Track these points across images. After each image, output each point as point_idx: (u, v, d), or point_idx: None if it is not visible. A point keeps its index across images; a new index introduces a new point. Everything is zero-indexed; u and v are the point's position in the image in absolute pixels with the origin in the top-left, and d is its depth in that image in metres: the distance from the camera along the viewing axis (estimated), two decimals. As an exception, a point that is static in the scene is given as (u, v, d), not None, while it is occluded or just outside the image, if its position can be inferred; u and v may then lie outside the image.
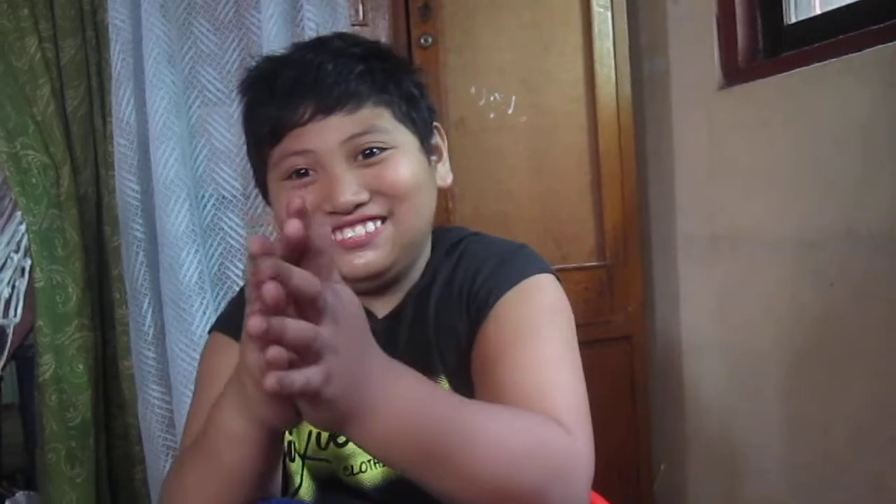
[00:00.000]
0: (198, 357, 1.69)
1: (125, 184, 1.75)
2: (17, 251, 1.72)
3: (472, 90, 2.00)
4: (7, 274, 1.69)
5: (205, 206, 1.79)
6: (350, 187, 0.97)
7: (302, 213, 0.67)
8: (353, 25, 1.88)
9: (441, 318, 1.04)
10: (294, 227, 0.67)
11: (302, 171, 1.00)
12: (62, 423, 1.78)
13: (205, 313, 1.72)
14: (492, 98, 2.01)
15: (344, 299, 0.72)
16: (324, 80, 0.98)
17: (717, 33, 1.98)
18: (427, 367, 1.02)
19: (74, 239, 1.80)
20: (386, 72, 1.01)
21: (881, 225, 1.52)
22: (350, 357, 0.71)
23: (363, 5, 1.94)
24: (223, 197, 1.79)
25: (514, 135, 2.03)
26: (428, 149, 1.06)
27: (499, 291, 1.00)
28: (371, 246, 0.99)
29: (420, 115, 1.05)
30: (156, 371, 1.78)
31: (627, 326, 2.09)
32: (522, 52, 2.03)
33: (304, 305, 0.68)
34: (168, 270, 1.71)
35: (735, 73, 1.94)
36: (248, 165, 1.77)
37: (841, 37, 1.66)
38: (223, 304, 1.76)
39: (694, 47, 2.04)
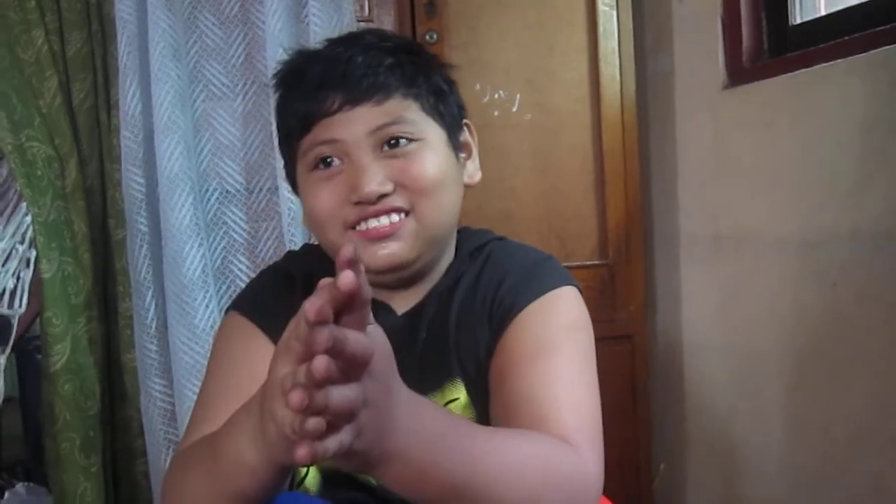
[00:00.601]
0: (200, 350, 1.71)
1: (130, 177, 1.75)
2: (21, 242, 1.72)
3: (477, 87, 2.00)
4: (13, 265, 1.70)
5: (208, 200, 1.79)
6: (375, 177, 0.97)
7: (353, 264, 0.63)
8: (359, 21, 1.88)
9: (462, 323, 1.04)
10: (348, 279, 0.62)
11: (329, 160, 1.00)
12: (78, 411, 1.79)
13: (207, 307, 1.72)
14: (496, 96, 2.01)
15: (378, 342, 0.68)
16: (353, 72, 0.99)
17: (722, 33, 1.98)
18: (445, 371, 1.03)
19: (83, 231, 1.81)
20: (415, 65, 1.02)
21: (884, 225, 1.53)
22: (379, 405, 0.67)
23: (369, 1, 1.94)
24: (227, 191, 1.80)
25: (518, 133, 2.04)
26: (456, 144, 1.05)
27: (522, 302, 1.00)
28: (395, 237, 0.99)
29: (449, 110, 1.04)
30: (158, 364, 1.79)
31: (629, 325, 2.09)
32: (527, 51, 2.04)
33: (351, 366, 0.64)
34: (171, 264, 1.72)
35: (739, 73, 1.94)
36: (252, 160, 1.81)
37: (846, 38, 1.66)
38: (226, 299, 1.76)
39: (698, 47, 2.04)
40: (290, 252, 1.18)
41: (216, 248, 1.79)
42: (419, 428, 0.72)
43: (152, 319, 1.77)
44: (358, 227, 0.99)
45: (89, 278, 1.82)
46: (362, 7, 1.93)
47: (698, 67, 2.04)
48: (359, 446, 0.66)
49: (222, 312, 1.73)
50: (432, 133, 1.01)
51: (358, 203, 0.98)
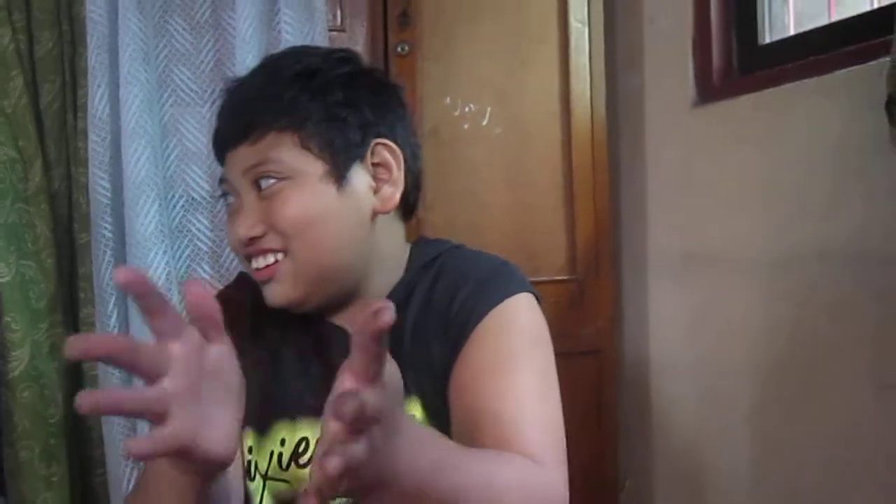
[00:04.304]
0: (162, 359, 1.68)
1: (96, 181, 1.72)
2: (-22, 247, 1.69)
3: (448, 100, 2.00)
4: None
5: (174, 207, 1.77)
6: (246, 221, 0.97)
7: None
8: (331, 31, 1.87)
9: (417, 338, 1.02)
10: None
11: (227, 196, 1.03)
12: (38, 419, 1.75)
13: (170, 315, 1.69)
14: (467, 109, 2.01)
15: (391, 381, 0.66)
16: (238, 108, 1.01)
17: (693, 52, 2.00)
18: None
19: (46, 234, 1.78)
20: (310, 92, 0.98)
21: (852, 245, 1.54)
22: (383, 449, 0.63)
23: (341, 11, 1.93)
24: (192, 199, 1.77)
25: (489, 146, 2.03)
26: (342, 175, 0.99)
27: (478, 315, 0.98)
28: (274, 280, 0.99)
29: (343, 138, 0.99)
30: (119, 373, 1.75)
31: (596, 341, 2.09)
32: (499, 65, 2.04)
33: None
34: (135, 270, 1.69)
35: (709, 91, 1.96)
36: (219, 168, 1.78)
37: (814, 58, 1.68)
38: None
39: (669, 65, 2.05)
40: (239, 275, 1.16)
41: (181, 256, 1.77)
42: (417, 461, 0.70)
43: (114, 327, 1.74)
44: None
45: (52, 282, 1.78)
46: (335, 17, 1.92)
47: (668, 85, 2.05)
48: (356, 486, 0.64)
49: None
50: (307, 169, 0.97)
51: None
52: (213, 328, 0.67)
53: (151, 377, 0.63)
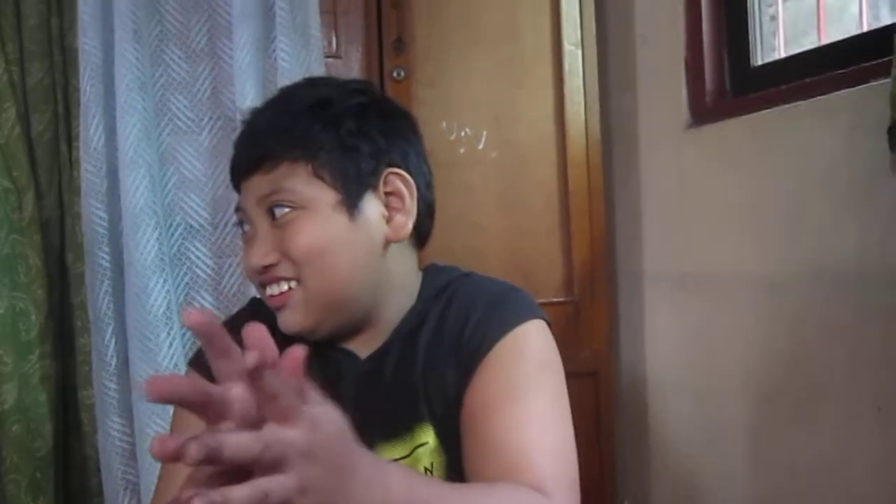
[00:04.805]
0: (162, 389, 1.67)
1: (92, 211, 1.72)
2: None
3: (444, 125, 2.00)
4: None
5: (172, 235, 1.76)
6: (259, 250, 0.98)
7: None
8: (327, 58, 1.87)
9: (430, 365, 1.02)
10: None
11: (242, 224, 1.03)
12: (25, 453, 1.74)
13: (171, 345, 1.69)
14: (462, 133, 2.02)
15: (322, 422, 0.65)
16: (253, 139, 1.02)
17: (686, 73, 2.01)
18: (413, 414, 1.01)
19: (37, 265, 1.77)
20: (323, 122, 0.99)
21: (846, 265, 1.55)
22: (327, 488, 0.64)
23: (337, 38, 1.94)
24: (191, 226, 1.77)
25: (484, 170, 2.04)
26: (353, 204, 0.98)
27: (490, 341, 0.98)
28: (286, 307, 0.99)
29: (356, 168, 0.99)
30: (118, 402, 1.74)
31: (594, 362, 2.09)
32: (494, 88, 2.05)
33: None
34: (134, 300, 1.68)
35: (702, 113, 1.97)
36: (218, 195, 1.79)
37: (806, 80, 1.70)
38: (190, 337, 1.73)
39: (662, 87, 2.07)
40: (254, 298, 1.16)
41: (180, 284, 1.76)
42: (378, 500, 0.69)
43: (112, 356, 1.73)
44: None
45: (42, 313, 1.77)
46: (330, 43, 1.92)
47: (662, 107, 2.07)
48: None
49: (186, 350, 1.71)
50: (319, 198, 0.97)
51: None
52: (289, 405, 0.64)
53: (213, 419, 0.62)
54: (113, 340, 1.74)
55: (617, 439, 2.16)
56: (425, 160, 1.09)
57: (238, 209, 1.03)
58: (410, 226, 1.03)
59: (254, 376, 0.59)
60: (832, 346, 1.59)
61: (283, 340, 1.02)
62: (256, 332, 0.62)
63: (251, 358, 0.57)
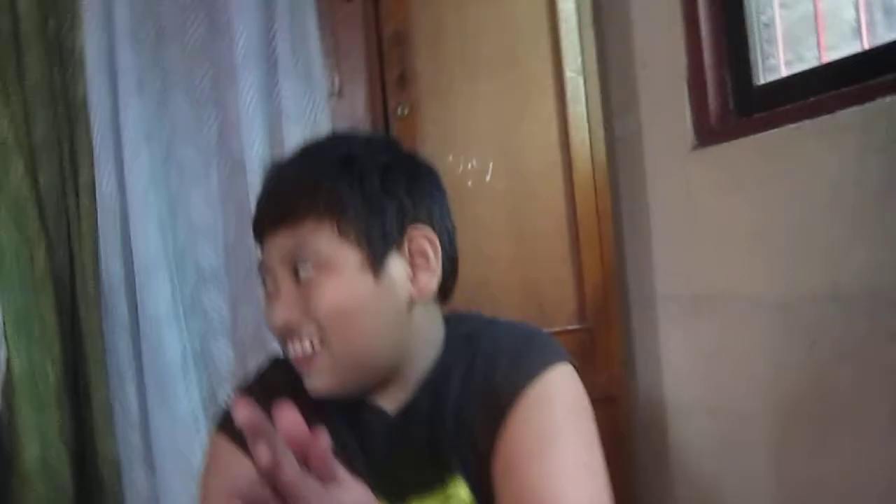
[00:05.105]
0: (183, 438, 1.67)
1: (109, 263, 1.72)
2: (-8, 338, 1.68)
3: (450, 158, 2.00)
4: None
5: (185, 283, 1.76)
6: (282, 308, 0.98)
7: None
8: (331, 97, 1.88)
9: (459, 417, 1.02)
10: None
11: (265, 280, 1.03)
12: (47, 508, 1.74)
13: (189, 394, 1.69)
14: (469, 166, 2.02)
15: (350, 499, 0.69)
16: (277, 194, 1.02)
17: (689, 95, 2.01)
18: (445, 467, 1.01)
19: (52, 321, 1.77)
20: (347, 180, 0.98)
21: (859, 284, 1.54)
22: None
23: (339, 78, 1.94)
24: (203, 274, 1.78)
25: (493, 200, 2.04)
26: (378, 264, 0.98)
27: (516, 390, 0.98)
28: (313, 371, 0.99)
29: (380, 228, 0.99)
30: (141, 454, 1.74)
31: (610, 388, 2.08)
32: (498, 119, 2.05)
33: None
34: (151, 351, 1.68)
35: (707, 133, 1.97)
36: (229, 242, 1.79)
37: (811, 99, 1.69)
38: (207, 384, 1.73)
39: (666, 109, 2.06)
40: (274, 360, 1.16)
41: (195, 332, 1.76)
42: None
43: (134, 408, 1.73)
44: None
45: (59, 368, 1.77)
46: (333, 84, 1.93)
47: (667, 129, 2.06)
48: None
49: (204, 399, 1.71)
50: (344, 258, 0.97)
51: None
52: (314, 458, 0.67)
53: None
54: (134, 393, 1.74)
55: (638, 463, 2.15)
56: (449, 215, 1.08)
57: (261, 264, 1.03)
58: (435, 284, 1.03)
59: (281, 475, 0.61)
60: (849, 365, 1.58)
61: (310, 400, 1.02)
62: (288, 417, 0.64)
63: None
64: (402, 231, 1.00)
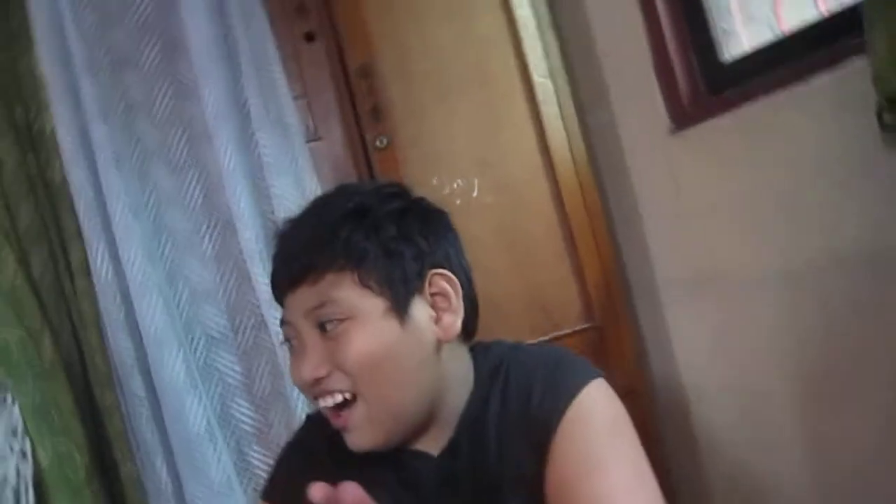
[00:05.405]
0: (220, 504, 1.66)
1: (119, 342, 1.72)
2: (14, 435, 1.66)
3: (435, 181, 2.01)
4: (11, 463, 1.64)
5: (196, 349, 1.76)
6: (310, 363, 0.98)
7: None
8: (309, 142, 1.88)
9: (502, 448, 1.02)
10: None
11: (288, 339, 1.03)
12: None
13: (219, 459, 1.68)
14: (455, 185, 2.03)
15: None
16: (294, 252, 1.01)
17: (658, 81, 2.02)
18: (494, 501, 1.01)
19: (69, 406, 1.76)
20: (364, 231, 0.99)
21: (859, 244, 1.56)
22: None
23: (314, 120, 1.95)
24: (212, 337, 1.77)
25: (483, 215, 2.05)
26: (403, 309, 0.99)
27: (558, 414, 0.99)
28: (351, 428, 0.99)
29: (400, 272, 0.99)
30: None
31: (627, 382, 2.08)
32: (476, 134, 2.06)
33: None
34: (174, 422, 1.68)
35: (682, 116, 1.98)
36: (232, 300, 1.79)
37: (782, 69, 1.71)
38: (234, 446, 1.72)
39: (638, 98, 2.07)
40: (308, 418, 1.17)
41: (213, 395, 1.76)
42: None
43: (166, 483, 1.72)
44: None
45: (86, 453, 1.76)
46: (308, 128, 1.93)
47: (643, 118, 2.07)
48: None
49: (235, 462, 1.70)
50: (369, 306, 0.97)
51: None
52: None
53: None
54: (164, 466, 1.73)
55: (666, 449, 2.16)
56: (464, 255, 1.10)
57: (283, 323, 1.03)
58: (459, 324, 1.03)
59: None
60: (861, 322, 1.59)
61: (353, 455, 1.03)
62: (353, 493, 0.66)
63: None
64: (422, 275, 1.01)
